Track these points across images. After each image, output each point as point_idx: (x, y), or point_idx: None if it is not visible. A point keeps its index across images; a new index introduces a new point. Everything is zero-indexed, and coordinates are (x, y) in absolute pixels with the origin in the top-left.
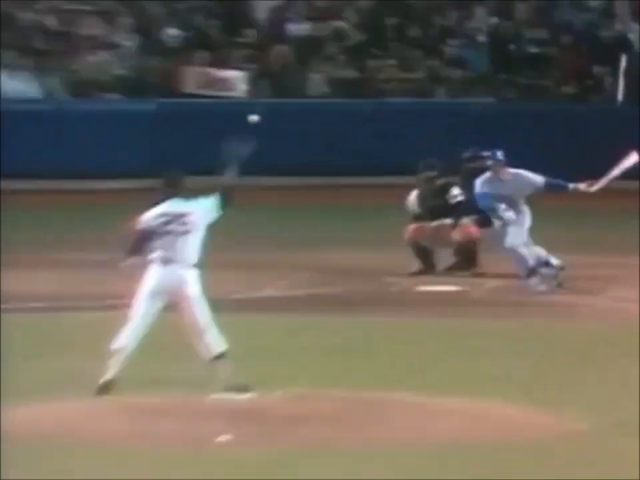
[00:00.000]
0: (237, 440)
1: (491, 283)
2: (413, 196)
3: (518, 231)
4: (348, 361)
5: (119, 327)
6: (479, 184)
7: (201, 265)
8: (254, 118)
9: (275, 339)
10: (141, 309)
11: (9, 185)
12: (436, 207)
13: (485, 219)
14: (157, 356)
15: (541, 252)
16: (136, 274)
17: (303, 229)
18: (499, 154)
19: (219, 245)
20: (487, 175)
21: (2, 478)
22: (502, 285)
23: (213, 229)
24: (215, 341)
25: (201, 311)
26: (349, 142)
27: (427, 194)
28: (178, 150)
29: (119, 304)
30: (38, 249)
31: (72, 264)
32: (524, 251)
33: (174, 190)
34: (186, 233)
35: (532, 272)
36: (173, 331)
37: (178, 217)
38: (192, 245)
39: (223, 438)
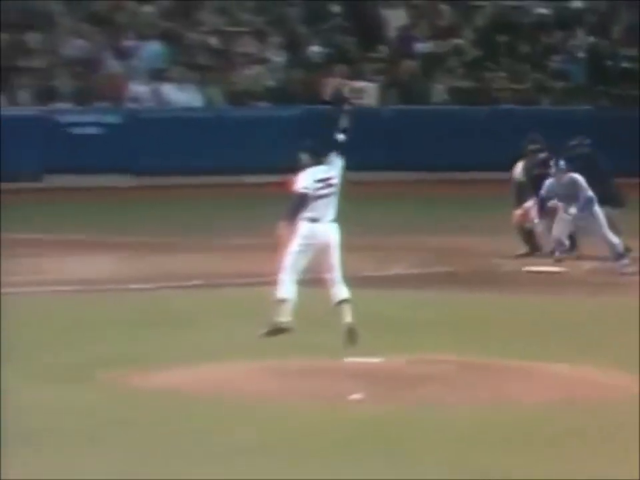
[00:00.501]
0: (367, 398)
1: (588, 265)
2: (520, 167)
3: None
4: (462, 331)
5: (266, 300)
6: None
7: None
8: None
9: (400, 312)
10: (294, 262)
11: (177, 180)
12: (538, 176)
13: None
14: (302, 325)
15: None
16: (285, 244)
17: (424, 217)
18: (562, 163)
19: (351, 230)
20: (551, 180)
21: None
22: (598, 266)
23: (346, 217)
24: (341, 288)
25: (336, 261)
26: (467, 142)
27: (530, 165)
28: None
29: (265, 281)
30: (204, 234)
31: (222, 248)
32: (613, 237)
33: (320, 159)
34: (330, 194)
35: (620, 255)
36: (319, 304)
37: (325, 181)
38: (334, 204)
39: (355, 396)
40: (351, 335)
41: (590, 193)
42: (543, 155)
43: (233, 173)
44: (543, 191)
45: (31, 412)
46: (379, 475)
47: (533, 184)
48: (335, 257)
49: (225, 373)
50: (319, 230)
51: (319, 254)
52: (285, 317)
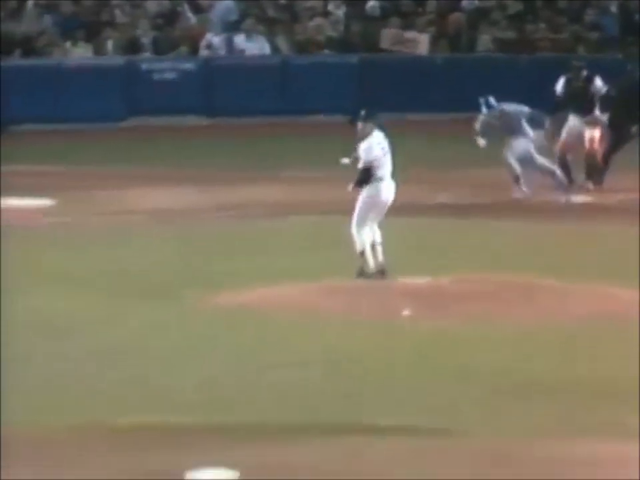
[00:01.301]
0: (416, 313)
1: (619, 196)
2: (561, 82)
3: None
4: (501, 254)
5: (335, 227)
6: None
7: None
8: (345, 161)
9: (443, 237)
10: (364, 216)
11: (246, 120)
12: (578, 91)
13: None
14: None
15: None
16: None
17: (467, 153)
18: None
19: (404, 163)
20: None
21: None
22: (627, 197)
23: (400, 154)
24: (378, 233)
25: (384, 212)
26: (509, 87)
27: (572, 79)
28: (376, 92)
29: (330, 210)
30: (272, 168)
31: (289, 180)
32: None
33: (377, 122)
34: (387, 154)
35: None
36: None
37: (383, 143)
38: (390, 163)
39: (406, 311)
40: (382, 271)
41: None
42: (585, 72)
43: (297, 113)
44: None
45: (127, 325)
46: (427, 381)
47: (574, 98)
48: (385, 209)
49: (293, 292)
50: (383, 187)
51: (377, 205)
52: (368, 265)
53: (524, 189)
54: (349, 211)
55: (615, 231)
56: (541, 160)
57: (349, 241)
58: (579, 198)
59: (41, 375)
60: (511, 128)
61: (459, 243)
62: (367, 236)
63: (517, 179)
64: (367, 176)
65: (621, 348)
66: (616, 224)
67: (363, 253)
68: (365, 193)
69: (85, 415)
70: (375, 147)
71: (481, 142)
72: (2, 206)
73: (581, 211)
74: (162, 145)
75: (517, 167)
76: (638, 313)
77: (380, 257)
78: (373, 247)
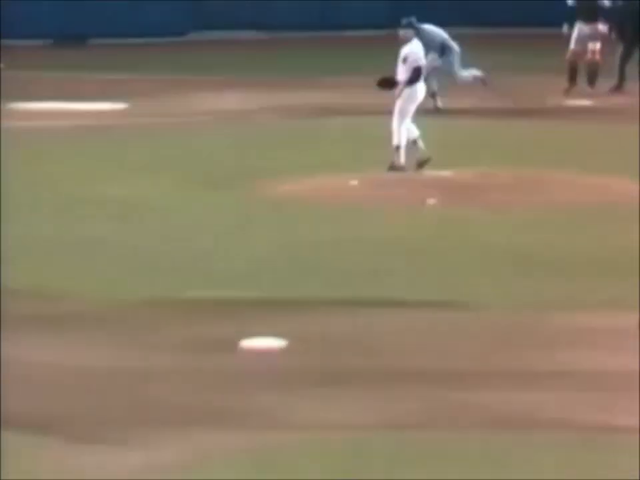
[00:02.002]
0: (440, 201)
1: (617, 99)
2: None
3: None
4: (518, 151)
5: (370, 126)
6: None
7: None
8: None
9: (466, 136)
10: (407, 114)
11: (294, 34)
12: (586, 4)
13: None
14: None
15: None
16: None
17: (486, 61)
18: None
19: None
20: None
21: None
22: (625, 100)
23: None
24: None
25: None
26: (525, 2)
27: None
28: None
29: (367, 111)
30: (313, 76)
31: (333, 86)
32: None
33: (416, 31)
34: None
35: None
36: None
37: (421, 51)
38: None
39: (431, 200)
40: (422, 163)
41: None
42: None
43: (339, 28)
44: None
45: (192, 211)
46: (449, 260)
47: (582, 9)
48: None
49: (334, 182)
50: (420, 88)
51: (415, 103)
52: (399, 159)
53: (439, 104)
54: (383, 112)
55: (615, 129)
56: (461, 72)
57: (383, 139)
58: (582, 101)
59: (117, 254)
60: (432, 47)
61: (480, 140)
62: (405, 132)
63: (433, 95)
64: (417, 75)
65: (623, 232)
66: (615, 123)
67: (398, 148)
68: (408, 92)
69: (154, 290)
70: (421, 51)
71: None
72: (82, 108)
73: (586, 112)
74: (221, 56)
75: (434, 84)
76: (638, 202)
77: (422, 147)
78: (415, 142)
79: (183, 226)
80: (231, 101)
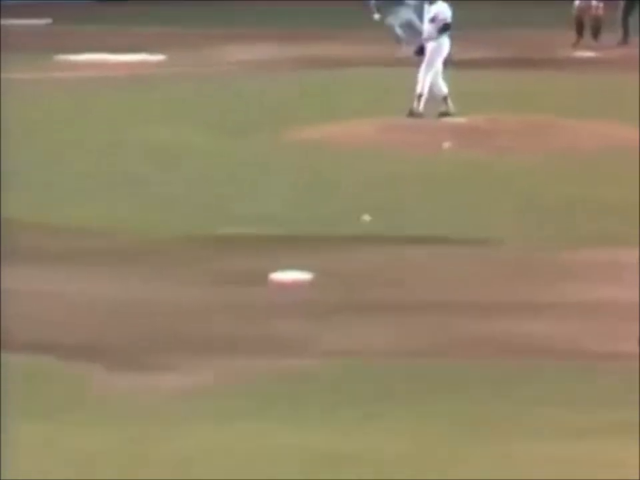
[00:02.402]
0: (454, 145)
1: (616, 52)
2: None
3: None
4: (528, 99)
5: (388, 76)
6: None
7: None
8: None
9: (479, 85)
10: (434, 64)
11: None
12: None
13: None
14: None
15: None
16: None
17: (499, 15)
18: None
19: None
20: None
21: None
22: (628, 52)
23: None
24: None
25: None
26: None
27: None
28: None
29: (383, 63)
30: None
31: (355, 38)
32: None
33: None
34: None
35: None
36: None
37: (448, 10)
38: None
39: (446, 144)
40: (443, 114)
41: None
42: None
43: None
44: None
45: (222, 154)
46: (464, 200)
47: None
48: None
49: (355, 128)
50: (445, 42)
51: (442, 55)
52: (419, 106)
53: (404, 49)
54: (400, 64)
55: (618, 79)
56: (394, 23)
57: (400, 88)
58: (588, 53)
59: (153, 193)
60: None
61: (491, 90)
62: (428, 82)
63: (398, 40)
64: (447, 29)
65: (625, 174)
66: (618, 73)
67: (420, 96)
68: (435, 44)
69: (187, 228)
70: (447, 10)
71: (376, 16)
72: (123, 59)
73: (591, 63)
74: (250, 10)
75: (399, 31)
76: (638, 146)
77: (450, 105)
78: (445, 98)
79: (214, 168)
80: (258, 52)
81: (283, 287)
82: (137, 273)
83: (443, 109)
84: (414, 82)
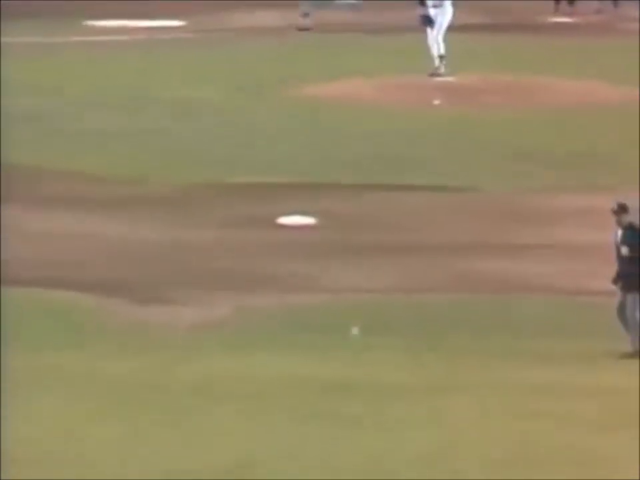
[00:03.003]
0: (444, 102)
1: (592, 18)
2: None
3: None
4: (510, 60)
5: (388, 40)
6: None
7: None
8: None
9: (467, 47)
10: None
11: None
12: None
13: None
14: (411, 57)
15: None
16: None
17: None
18: None
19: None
20: None
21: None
22: (602, 18)
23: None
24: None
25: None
26: None
27: None
28: None
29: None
30: None
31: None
32: None
33: None
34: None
35: None
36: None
37: None
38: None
39: (437, 101)
40: (434, 74)
41: None
42: None
43: None
44: None
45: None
46: (453, 151)
47: None
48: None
49: (356, 86)
50: (449, 6)
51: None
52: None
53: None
54: (398, 30)
55: (593, 42)
56: None
57: (398, 51)
58: (566, 19)
59: (173, 145)
60: None
61: (477, 50)
62: (441, 43)
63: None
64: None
65: (600, 128)
66: (593, 37)
67: (442, 57)
68: (441, 10)
69: (203, 176)
70: None
71: None
72: (146, 25)
73: (569, 28)
74: None
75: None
76: (607, 103)
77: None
78: (441, 57)
79: (228, 123)
80: (268, 19)
81: (289, 229)
82: (158, 217)
83: (434, 68)
84: (409, 45)
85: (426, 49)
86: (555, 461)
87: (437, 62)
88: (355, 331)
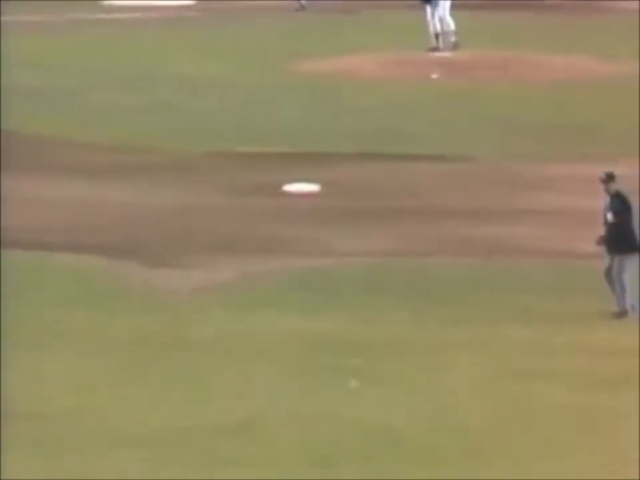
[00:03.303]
0: (442, 76)
1: None
2: None
3: None
4: (503, 36)
5: (389, 18)
6: None
7: None
8: None
9: (461, 25)
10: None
11: None
12: None
13: None
14: (409, 35)
15: None
16: None
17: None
18: None
19: None
20: None
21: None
22: None
23: None
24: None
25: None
26: None
27: None
28: None
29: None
30: None
31: None
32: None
33: None
34: None
35: None
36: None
37: None
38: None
39: (434, 75)
40: (433, 50)
41: None
42: None
43: None
44: None
45: (242, 84)
46: (449, 122)
47: None
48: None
49: (359, 62)
50: None
51: None
52: (439, 42)
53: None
54: (399, 7)
55: (582, 21)
56: None
57: (397, 28)
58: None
59: (183, 117)
60: None
61: (473, 29)
62: (449, 19)
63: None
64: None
65: (588, 101)
66: (581, 16)
67: (453, 32)
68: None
69: (211, 145)
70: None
71: None
72: (160, 4)
73: (558, 7)
74: None
75: None
76: (597, 77)
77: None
78: (437, 35)
79: (235, 96)
80: None
81: (294, 196)
82: (168, 184)
83: (432, 43)
84: (408, 22)
85: (425, 26)
86: (552, 418)
87: (433, 39)
88: (354, 383)
